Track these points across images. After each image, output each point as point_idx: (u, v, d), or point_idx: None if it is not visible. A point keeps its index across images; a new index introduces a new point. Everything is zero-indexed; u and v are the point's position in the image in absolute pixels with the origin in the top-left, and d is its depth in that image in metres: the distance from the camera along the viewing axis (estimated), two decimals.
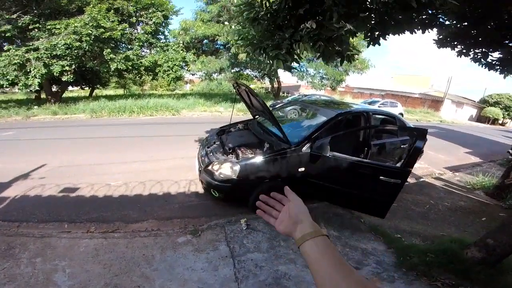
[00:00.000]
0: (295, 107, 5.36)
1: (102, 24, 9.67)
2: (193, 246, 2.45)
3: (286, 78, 23.95)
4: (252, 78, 19.32)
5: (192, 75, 17.56)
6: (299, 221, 0.63)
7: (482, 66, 3.03)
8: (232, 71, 15.85)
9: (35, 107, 10.32)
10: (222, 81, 21.72)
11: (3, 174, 3.91)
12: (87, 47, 9.50)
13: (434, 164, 6.69)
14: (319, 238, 0.59)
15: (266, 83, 22.10)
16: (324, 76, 16.64)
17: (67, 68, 9.44)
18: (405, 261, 2.45)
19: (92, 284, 1.94)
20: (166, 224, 2.96)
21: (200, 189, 3.75)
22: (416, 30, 2.39)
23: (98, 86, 17.70)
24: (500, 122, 26.85)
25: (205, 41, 15.45)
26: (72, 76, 10.29)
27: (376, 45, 2.58)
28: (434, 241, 2.86)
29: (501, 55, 2.88)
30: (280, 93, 19.72)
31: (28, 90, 9.53)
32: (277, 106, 7.78)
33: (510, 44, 2.65)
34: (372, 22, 2.35)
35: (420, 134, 2.45)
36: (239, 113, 11.45)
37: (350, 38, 2.30)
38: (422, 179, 5.25)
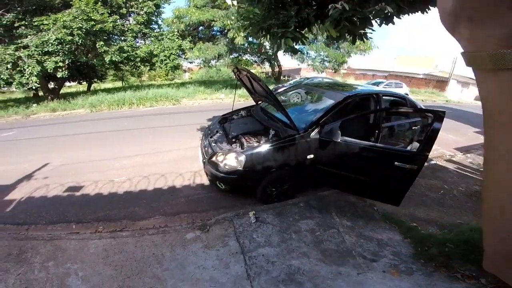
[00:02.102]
0: (298, 90, 5.14)
1: (92, 17, 9.42)
2: (202, 243, 2.38)
3: (286, 61, 23.36)
4: (251, 63, 18.84)
5: (190, 63, 17.18)
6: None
7: None
8: (231, 56, 15.44)
9: (34, 105, 10.18)
10: (221, 68, 21.27)
11: (7, 176, 3.86)
12: (79, 41, 9.28)
13: (444, 145, 6.50)
14: None
15: (267, 67, 21.61)
16: (326, 58, 16.17)
17: (60, 64, 9.26)
18: (423, 252, 2.35)
19: (105, 287, 1.90)
20: (173, 219, 2.89)
21: (205, 180, 3.65)
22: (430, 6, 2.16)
23: (96, 80, 17.43)
24: None
25: (201, 27, 14.99)
26: (67, 72, 10.11)
27: (384, 27, 2.36)
28: (452, 230, 2.74)
29: None
30: (281, 77, 19.31)
31: (26, 88, 9.41)
32: (279, 91, 7.54)
33: None
34: None
35: (437, 116, 2.28)
36: (240, 99, 11.22)
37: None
38: (433, 162, 5.09)
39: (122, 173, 3.92)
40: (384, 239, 2.54)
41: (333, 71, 18.42)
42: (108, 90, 13.07)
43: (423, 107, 4.08)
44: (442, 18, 0.33)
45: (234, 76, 3.60)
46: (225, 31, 13.04)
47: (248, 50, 15.04)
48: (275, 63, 17.26)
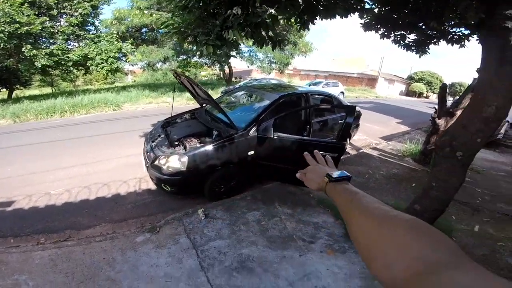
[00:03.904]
0: (244, 92, 5.42)
1: (17, 19, 8.37)
2: (153, 243, 2.42)
3: (237, 63, 23.78)
4: (201, 65, 18.63)
5: (132, 66, 16.17)
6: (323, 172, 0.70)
7: (401, 47, 3.43)
8: (179, 59, 15.04)
9: None
10: (167, 71, 20.51)
11: None
12: (1, 45, 8.23)
13: (371, 135, 7.53)
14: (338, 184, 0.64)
15: (218, 69, 21.62)
16: (272, 60, 16.99)
17: None
18: None
19: None
20: (121, 225, 2.85)
21: (152, 186, 3.62)
22: (340, 15, 2.57)
23: (18, 86, 15.09)
24: (425, 95, 31.29)
25: (144, 29, 14.24)
26: None
27: (322, 31, 2.72)
28: None
29: (416, 37, 3.26)
30: (233, 78, 19.54)
31: None
32: (229, 92, 7.73)
33: (423, 27, 3.02)
34: (301, 7, 2.47)
35: (349, 110, 2.74)
36: (190, 101, 11.04)
37: (281, 22, 2.40)
38: (361, 150, 5.84)
39: (59, 185, 3.63)
40: (320, 222, 2.89)
41: (279, 72, 19.41)
42: (34, 98, 11.42)
43: (346, 103, 4.75)
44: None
45: (177, 80, 3.65)
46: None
47: (197, 52, 14.85)
48: (226, 64, 17.41)
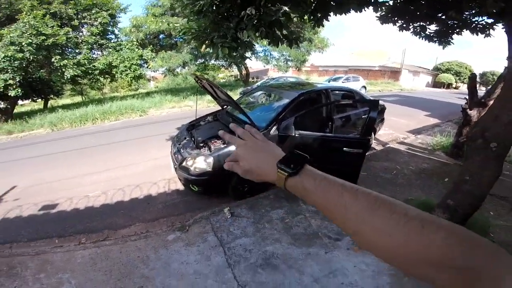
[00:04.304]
0: (263, 92, 5.47)
1: (42, 31, 8.93)
2: (183, 242, 2.55)
3: (253, 63, 23.94)
4: (219, 67, 19.00)
5: (154, 72, 16.86)
6: (261, 164, 0.52)
7: (422, 39, 3.28)
8: (197, 63, 15.45)
9: None
10: (187, 75, 21.11)
11: None
12: (30, 57, 8.79)
13: (397, 129, 7.24)
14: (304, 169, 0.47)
15: (235, 70, 21.89)
16: (288, 58, 16.88)
17: (11, 81, 8.66)
18: None
19: None
20: (153, 225, 3.02)
21: (179, 186, 3.79)
22: (355, 9, 2.54)
23: (52, 96, 16.29)
24: (453, 86, 29.44)
25: (161, 36, 14.78)
26: (20, 90, 9.46)
27: (338, 25, 2.71)
28: None
29: (437, 28, 3.11)
30: (250, 79, 19.69)
31: None
32: (247, 93, 7.83)
33: (443, 17, 2.87)
34: (313, 5, 2.46)
35: (372, 105, 2.68)
36: (210, 104, 11.31)
37: (295, 20, 2.41)
38: (388, 145, 5.62)
39: (95, 188, 3.92)
40: None
41: (297, 69, 19.22)
42: (67, 107, 12.35)
43: (369, 98, 4.62)
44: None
45: (198, 84, 3.79)
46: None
47: (215, 55, 15.14)
48: (242, 66, 17.58)
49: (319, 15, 2.44)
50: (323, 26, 2.52)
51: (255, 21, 2.11)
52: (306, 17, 2.59)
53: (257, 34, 2.22)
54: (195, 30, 2.48)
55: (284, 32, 2.32)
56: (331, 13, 2.45)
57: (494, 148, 2.07)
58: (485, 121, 2.19)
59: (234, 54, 2.43)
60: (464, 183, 2.27)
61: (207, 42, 2.41)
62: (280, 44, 2.62)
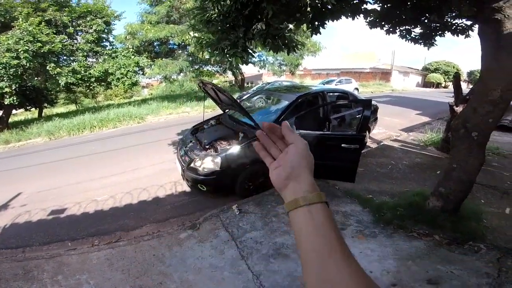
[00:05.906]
0: (261, 96, 5.66)
1: (39, 38, 8.96)
2: (195, 239, 2.65)
3: (248, 68, 24.20)
4: (213, 73, 19.18)
5: (149, 78, 16.94)
6: (294, 177, 0.46)
7: (408, 41, 3.53)
8: (191, 69, 15.60)
9: None
10: (183, 82, 21.19)
11: None
12: (27, 64, 8.78)
13: (391, 128, 7.53)
14: (317, 206, 0.44)
15: (229, 76, 22.12)
16: (282, 62, 17.20)
17: (7, 89, 8.63)
18: (380, 218, 2.77)
19: None
20: (164, 225, 3.12)
21: (186, 188, 3.92)
22: (347, 16, 2.76)
23: (46, 105, 16.21)
24: (443, 85, 30.26)
25: (156, 43, 14.91)
26: (15, 98, 9.44)
27: (328, 28, 2.90)
28: (400, 197, 3.18)
29: (422, 30, 3.34)
30: (245, 84, 19.91)
31: None
32: (244, 98, 8.01)
33: (426, 21, 3.12)
34: (311, 15, 2.67)
35: (365, 104, 2.89)
36: (207, 110, 11.42)
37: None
38: (382, 143, 5.85)
39: (103, 192, 4.01)
40: (348, 211, 3.00)
41: (291, 73, 19.56)
42: (63, 115, 12.35)
43: (362, 98, 4.87)
44: (276, 182, 0.49)
45: (201, 90, 3.96)
46: (183, 44, 13.18)
47: (211, 61, 15.34)
48: (237, 71, 17.80)
49: (317, 24, 2.65)
50: (320, 33, 2.72)
51: (261, 33, 2.31)
52: (304, 26, 2.79)
53: (264, 44, 2.41)
54: (209, 39, 2.66)
55: (286, 41, 2.52)
56: (327, 21, 2.66)
57: (475, 137, 2.30)
58: (466, 113, 2.43)
59: (242, 62, 2.62)
60: (452, 170, 2.48)
61: (216, 51, 2.57)
62: (279, 51, 2.80)
